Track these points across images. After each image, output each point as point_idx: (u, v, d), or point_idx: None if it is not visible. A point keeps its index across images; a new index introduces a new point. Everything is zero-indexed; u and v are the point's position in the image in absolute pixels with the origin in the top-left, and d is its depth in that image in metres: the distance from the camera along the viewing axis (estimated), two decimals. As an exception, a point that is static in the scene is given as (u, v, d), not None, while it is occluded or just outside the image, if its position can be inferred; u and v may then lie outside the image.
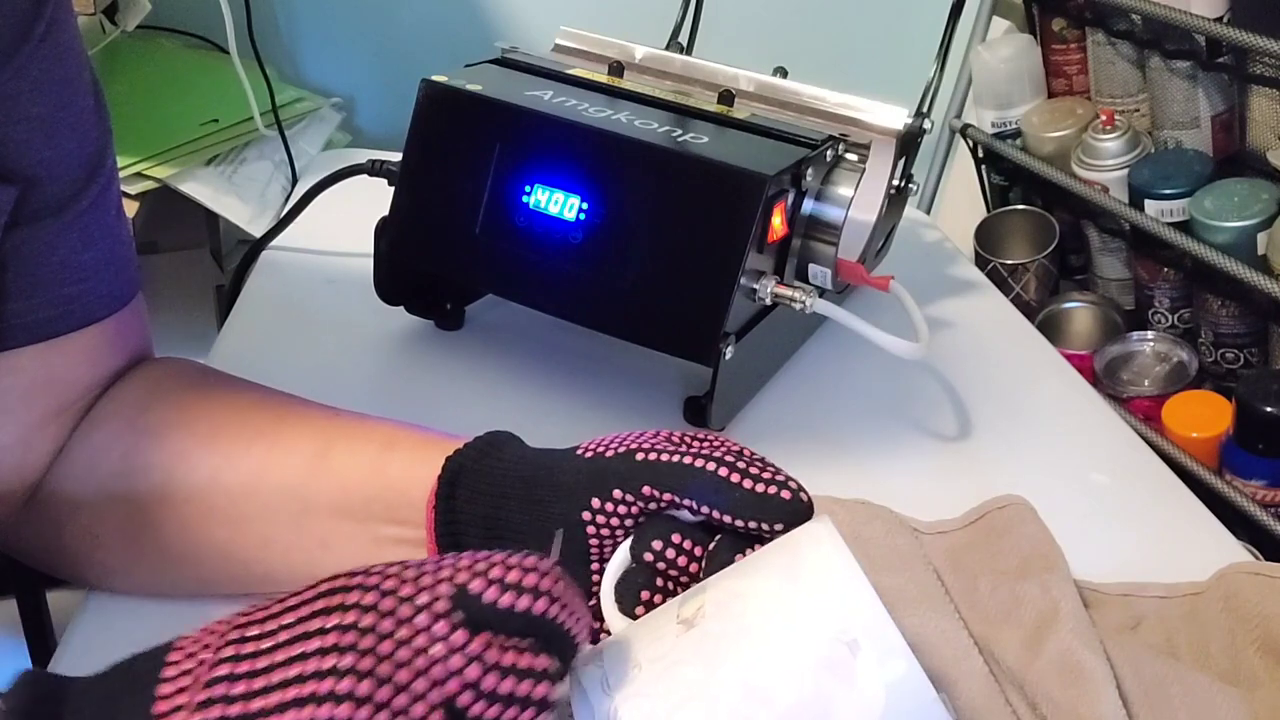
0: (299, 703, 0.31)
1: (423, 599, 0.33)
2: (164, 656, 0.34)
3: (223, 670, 0.33)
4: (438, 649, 0.32)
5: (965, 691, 0.51)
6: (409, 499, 0.50)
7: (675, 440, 0.47)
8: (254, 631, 0.34)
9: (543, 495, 0.47)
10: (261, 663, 0.33)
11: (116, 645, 0.51)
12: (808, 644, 0.36)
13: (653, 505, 0.45)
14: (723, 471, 0.44)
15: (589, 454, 0.47)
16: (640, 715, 0.36)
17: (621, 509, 0.45)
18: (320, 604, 0.34)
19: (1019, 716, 0.50)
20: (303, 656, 0.32)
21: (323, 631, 0.33)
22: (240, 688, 0.32)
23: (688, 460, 0.44)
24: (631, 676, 0.37)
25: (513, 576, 0.34)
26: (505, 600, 0.33)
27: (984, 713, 0.50)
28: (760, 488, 0.43)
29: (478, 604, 0.33)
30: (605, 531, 0.46)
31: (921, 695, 0.35)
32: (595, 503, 0.45)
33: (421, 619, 0.33)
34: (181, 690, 0.32)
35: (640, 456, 0.45)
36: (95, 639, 0.52)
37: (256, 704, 0.32)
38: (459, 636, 0.33)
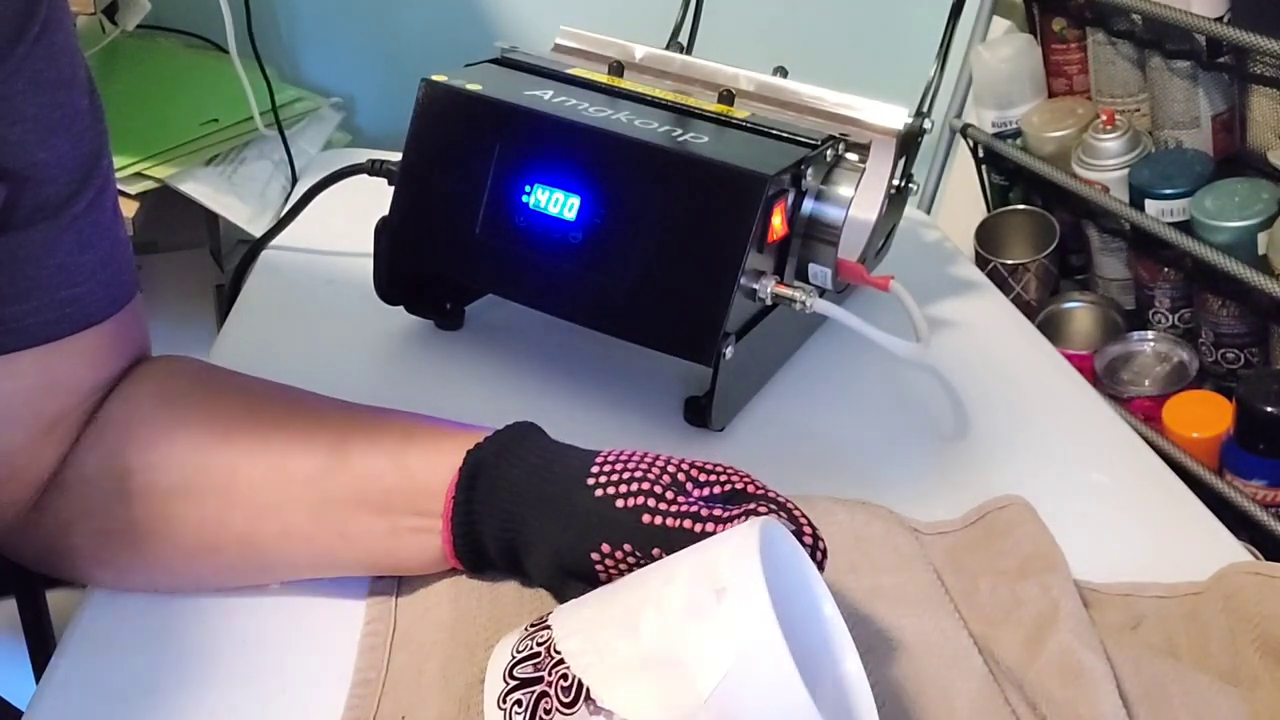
0: None
1: None
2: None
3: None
4: None
5: (965, 691, 0.51)
6: (430, 490, 0.52)
7: (679, 479, 0.49)
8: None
9: (555, 517, 0.50)
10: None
11: (116, 645, 0.52)
12: (680, 588, 0.41)
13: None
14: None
15: (599, 491, 0.49)
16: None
17: (630, 559, 0.48)
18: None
19: (1019, 716, 0.50)
20: None
21: None
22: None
23: (686, 525, 0.47)
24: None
25: None
26: None
27: (984, 713, 0.50)
28: None
29: None
30: (612, 566, 0.49)
31: (775, 650, 0.38)
32: (605, 548, 0.48)
33: None
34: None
35: (646, 519, 0.48)
36: (95, 639, 0.52)
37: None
38: None
